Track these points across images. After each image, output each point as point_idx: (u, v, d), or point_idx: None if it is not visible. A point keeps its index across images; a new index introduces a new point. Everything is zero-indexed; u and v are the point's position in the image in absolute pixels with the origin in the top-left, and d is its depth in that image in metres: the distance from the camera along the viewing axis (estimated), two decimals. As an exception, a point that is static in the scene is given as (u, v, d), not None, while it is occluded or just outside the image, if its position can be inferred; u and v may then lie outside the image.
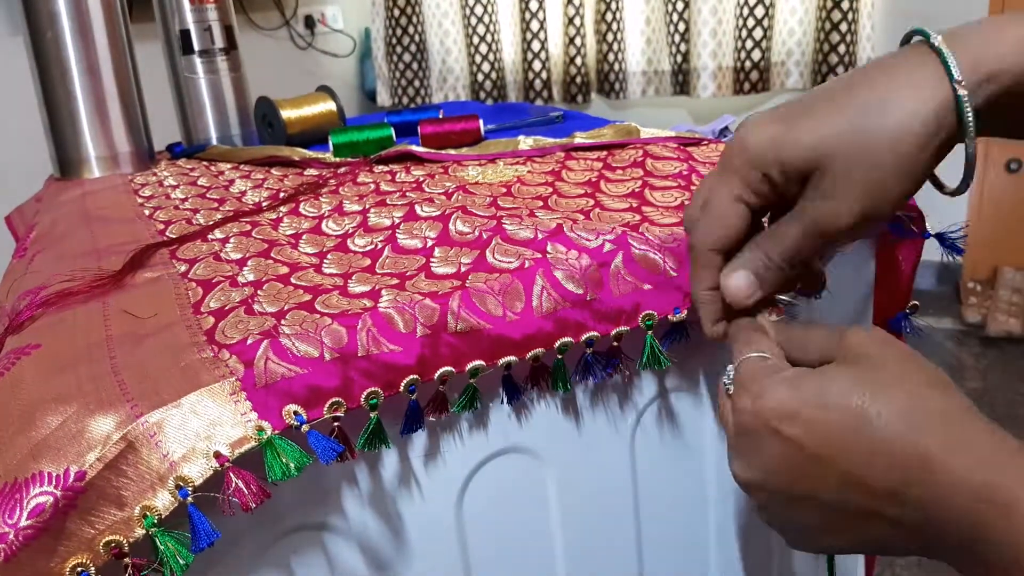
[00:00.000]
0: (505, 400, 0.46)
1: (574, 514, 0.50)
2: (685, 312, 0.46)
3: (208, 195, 0.70)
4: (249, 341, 0.39)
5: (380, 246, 0.52)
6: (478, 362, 0.43)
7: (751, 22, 2.30)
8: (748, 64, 2.33)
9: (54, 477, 0.34)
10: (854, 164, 0.35)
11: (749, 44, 2.32)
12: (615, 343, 0.46)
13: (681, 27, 2.40)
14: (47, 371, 0.39)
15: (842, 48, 2.21)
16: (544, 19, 2.60)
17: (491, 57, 2.69)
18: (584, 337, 0.45)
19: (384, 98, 2.86)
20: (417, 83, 2.82)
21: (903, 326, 0.54)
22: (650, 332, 0.45)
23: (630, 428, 0.51)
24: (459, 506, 0.46)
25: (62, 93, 0.83)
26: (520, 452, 0.48)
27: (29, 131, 1.65)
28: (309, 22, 2.77)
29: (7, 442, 0.36)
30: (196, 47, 0.90)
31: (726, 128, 0.69)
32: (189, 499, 0.34)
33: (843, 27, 2.19)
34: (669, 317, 0.46)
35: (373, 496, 0.44)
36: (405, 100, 2.83)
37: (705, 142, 0.66)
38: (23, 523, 0.34)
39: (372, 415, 0.40)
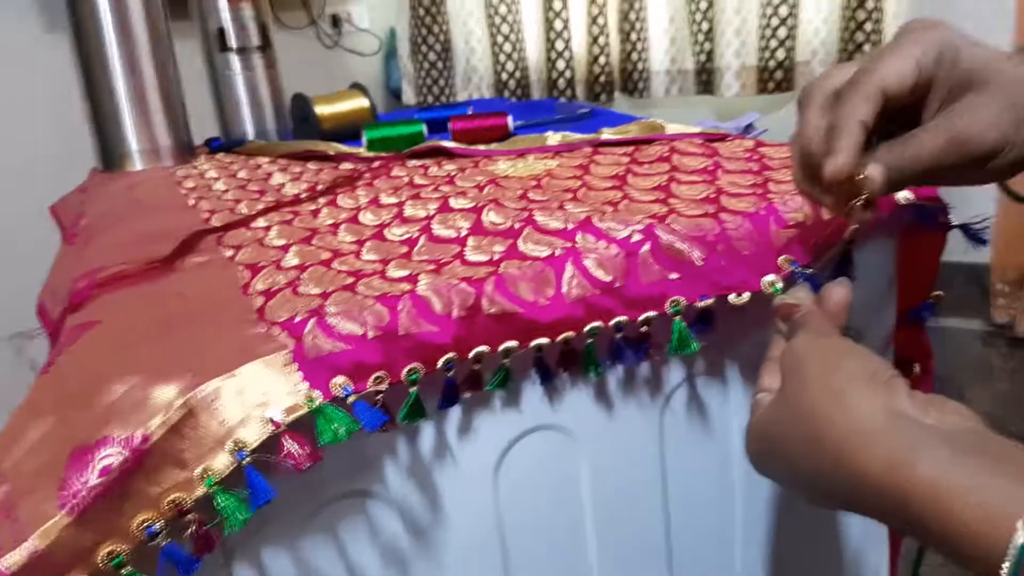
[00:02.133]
0: (538, 382, 0.48)
1: (604, 491, 0.52)
2: (712, 299, 0.48)
3: (248, 187, 0.73)
4: (297, 319, 0.41)
5: (416, 235, 0.54)
6: (511, 343, 0.45)
7: (775, 21, 2.31)
8: (772, 63, 2.34)
9: (121, 440, 0.37)
10: (1014, 98, 0.38)
11: (773, 43, 2.32)
12: (644, 328, 0.48)
13: (705, 26, 2.41)
14: (110, 344, 0.41)
15: (867, 48, 2.21)
16: (568, 18, 2.61)
17: (515, 56, 2.71)
18: (613, 322, 0.47)
19: (409, 96, 2.89)
20: (442, 82, 2.84)
21: (925, 316, 0.55)
22: (678, 317, 0.47)
23: (658, 411, 0.53)
24: (495, 479, 0.49)
25: (105, 88, 0.87)
26: (553, 430, 0.50)
27: (62, 126, 1.70)
28: (335, 21, 2.81)
29: (77, 409, 0.39)
30: (233, 45, 0.93)
31: (751, 125, 0.71)
32: (246, 460, 0.37)
33: (868, 27, 2.19)
34: (696, 305, 0.48)
35: (413, 467, 0.46)
36: (430, 99, 2.86)
37: (730, 138, 0.68)
38: (93, 481, 0.36)
39: (412, 390, 0.43)
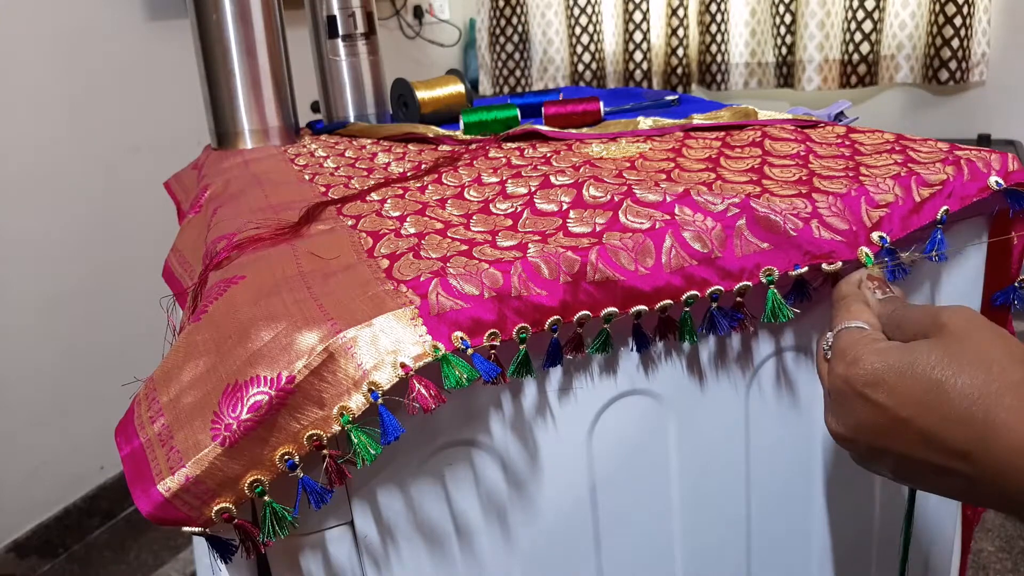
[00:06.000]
0: (634, 348, 0.51)
1: (691, 457, 0.55)
2: (805, 268, 0.50)
3: (356, 165, 0.78)
4: (422, 278, 0.45)
5: (520, 209, 0.58)
6: (611, 308, 0.49)
7: (861, 14, 2.27)
8: (856, 57, 2.31)
9: (269, 380, 0.42)
10: None
11: (858, 37, 2.29)
12: (739, 298, 0.51)
13: (787, 19, 2.39)
14: (255, 296, 0.46)
15: (955, 43, 2.16)
16: (647, 9, 2.62)
17: (592, 48, 2.73)
18: (709, 291, 0.50)
19: (486, 87, 2.94)
20: (518, 72, 2.88)
21: (1011, 299, 0.56)
22: (772, 287, 0.50)
23: (746, 383, 0.55)
24: (589, 438, 0.52)
25: (223, 71, 0.93)
26: (645, 396, 0.53)
27: (163, 110, 1.79)
28: (417, 12, 2.87)
29: (228, 351, 0.44)
30: (340, 32, 0.98)
31: (841, 113, 0.72)
32: (380, 400, 0.41)
33: (957, 21, 2.14)
34: (789, 273, 0.50)
35: (516, 421, 0.50)
36: (506, 89, 2.90)
37: (822, 124, 0.69)
38: (244, 416, 0.41)
39: (521, 348, 0.46)
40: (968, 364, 0.37)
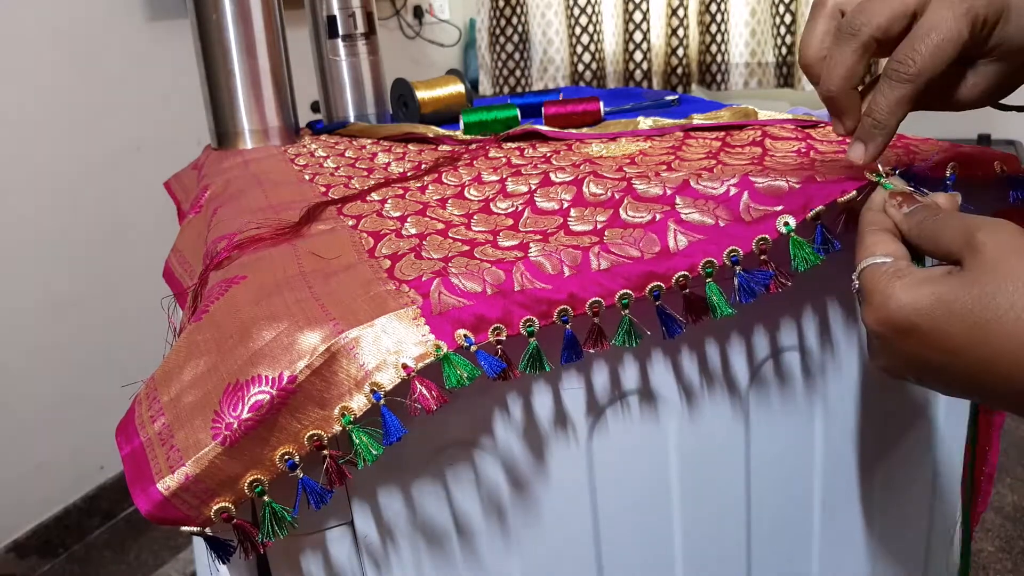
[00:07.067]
0: (665, 335, 0.48)
1: (691, 457, 0.55)
2: (821, 207, 0.48)
3: (356, 165, 0.78)
4: (424, 278, 0.45)
5: (520, 208, 0.58)
6: (626, 291, 0.46)
7: (860, 14, 2.27)
8: (855, 57, 2.30)
9: (270, 379, 0.42)
10: None
11: (858, 36, 2.29)
12: (762, 256, 0.48)
13: (787, 19, 2.39)
14: (257, 296, 0.46)
15: (956, 41, 2.16)
16: (648, 9, 2.62)
17: (592, 48, 2.73)
18: (726, 252, 0.47)
19: (486, 87, 2.94)
20: (518, 73, 2.88)
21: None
22: (793, 234, 0.47)
23: (747, 382, 0.55)
24: (590, 438, 0.52)
25: (223, 71, 0.93)
26: (646, 395, 0.53)
27: (164, 110, 1.79)
28: (417, 12, 2.87)
29: (229, 351, 0.44)
30: (340, 32, 0.98)
31: (842, 111, 0.72)
32: (382, 401, 0.41)
33: (958, 20, 2.14)
34: (807, 218, 0.48)
35: (516, 422, 0.50)
36: (506, 89, 2.90)
37: (822, 124, 0.69)
38: (244, 415, 0.41)
39: (531, 341, 0.45)
40: (1011, 305, 0.34)
